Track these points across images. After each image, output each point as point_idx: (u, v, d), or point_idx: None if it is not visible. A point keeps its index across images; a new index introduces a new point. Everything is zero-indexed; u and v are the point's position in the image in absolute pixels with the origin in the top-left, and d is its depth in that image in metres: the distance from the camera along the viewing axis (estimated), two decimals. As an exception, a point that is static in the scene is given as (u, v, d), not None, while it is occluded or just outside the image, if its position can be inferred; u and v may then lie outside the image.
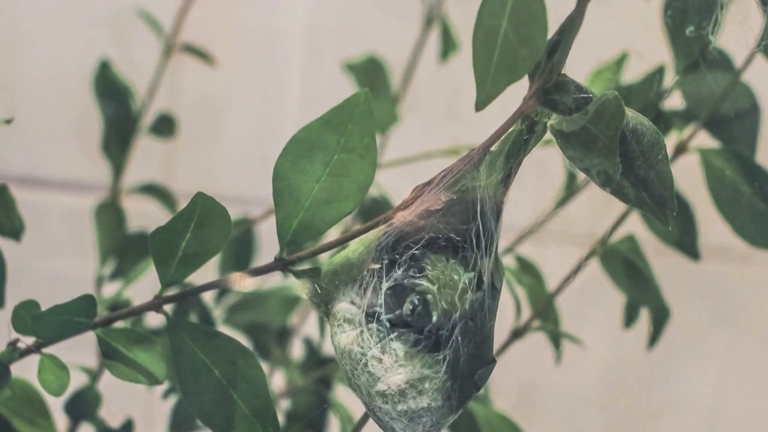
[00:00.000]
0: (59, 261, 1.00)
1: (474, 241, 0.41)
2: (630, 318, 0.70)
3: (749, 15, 0.44)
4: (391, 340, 0.41)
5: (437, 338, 0.41)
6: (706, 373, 1.01)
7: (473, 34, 0.38)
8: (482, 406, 0.66)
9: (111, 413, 0.68)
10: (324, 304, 0.43)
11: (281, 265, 0.44)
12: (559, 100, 0.40)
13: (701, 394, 1.01)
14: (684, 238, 0.65)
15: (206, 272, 0.47)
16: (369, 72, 0.80)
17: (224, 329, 0.76)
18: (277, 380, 0.82)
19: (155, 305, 0.46)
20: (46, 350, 0.48)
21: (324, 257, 0.44)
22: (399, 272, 0.41)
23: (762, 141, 0.62)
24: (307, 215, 0.43)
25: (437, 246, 0.41)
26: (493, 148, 0.41)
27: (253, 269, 0.45)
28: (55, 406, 0.58)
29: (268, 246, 0.68)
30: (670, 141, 0.57)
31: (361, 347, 0.41)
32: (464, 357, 0.41)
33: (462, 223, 0.41)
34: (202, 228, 0.44)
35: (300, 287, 0.44)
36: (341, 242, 0.43)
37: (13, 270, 0.54)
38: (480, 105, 0.38)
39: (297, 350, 0.84)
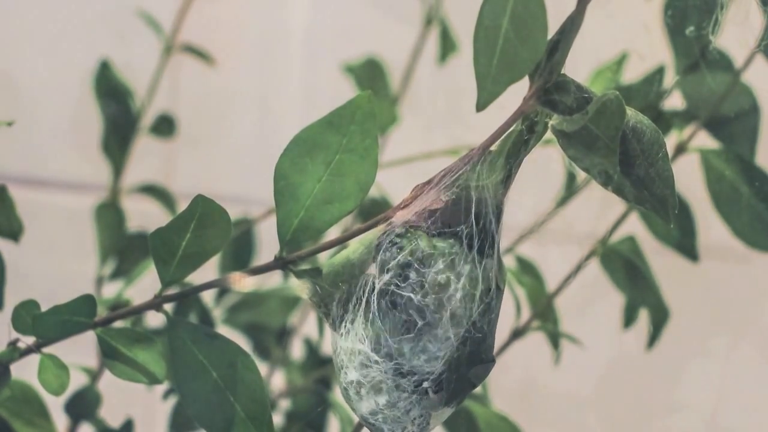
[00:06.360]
0: (59, 261, 1.00)
1: (469, 242, 0.41)
2: (630, 318, 0.70)
3: (749, 15, 0.44)
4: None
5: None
6: (706, 373, 1.01)
7: (474, 34, 0.38)
8: (482, 406, 0.66)
9: (111, 413, 0.68)
10: (324, 305, 0.43)
11: (281, 264, 0.44)
12: (559, 100, 0.40)
13: (701, 394, 1.01)
14: (683, 240, 0.65)
15: (206, 272, 0.47)
16: (368, 73, 0.80)
17: (224, 329, 0.76)
18: (277, 380, 0.82)
19: (155, 304, 0.46)
20: (46, 350, 0.48)
21: (323, 257, 0.44)
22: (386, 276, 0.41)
23: (762, 141, 0.62)
24: (308, 214, 0.43)
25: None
26: (493, 148, 0.41)
27: (253, 268, 0.45)
28: (55, 406, 0.58)
29: (268, 246, 0.68)
30: (670, 141, 0.57)
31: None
32: (462, 354, 0.41)
33: (458, 224, 0.41)
34: (202, 229, 0.44)
35: (300, 287, 0.44)
36: (341, 241, 0.43)
37: (13, 270, 0.54)
38: (481, 105, 0.38)
39: (297, 350, 0.83)
